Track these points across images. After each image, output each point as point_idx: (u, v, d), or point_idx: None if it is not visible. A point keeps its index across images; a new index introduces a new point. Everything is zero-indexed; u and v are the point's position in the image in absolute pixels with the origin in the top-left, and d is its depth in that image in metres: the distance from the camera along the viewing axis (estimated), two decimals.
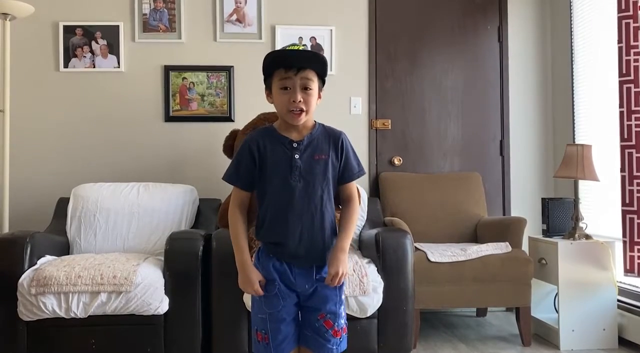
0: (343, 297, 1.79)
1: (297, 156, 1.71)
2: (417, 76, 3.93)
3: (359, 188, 3.20)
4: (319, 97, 1.75)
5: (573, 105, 3.79)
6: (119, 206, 3.19)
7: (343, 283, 1.77)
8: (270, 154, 1.72)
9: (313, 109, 1.72)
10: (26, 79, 3.63)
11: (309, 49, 3.71)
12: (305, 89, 1.69)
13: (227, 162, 2.77)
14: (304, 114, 1.69)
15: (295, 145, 1.72)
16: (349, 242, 1.77)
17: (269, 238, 1.75)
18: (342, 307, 1.78)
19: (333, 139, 1.77)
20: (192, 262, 2.67)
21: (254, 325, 1.79)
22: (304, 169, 1.71)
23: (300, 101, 1.67)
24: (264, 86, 1.77)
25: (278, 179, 1.71)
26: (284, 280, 1.73)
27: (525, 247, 3.34)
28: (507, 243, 3.20)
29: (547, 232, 3.32)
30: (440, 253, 3.08)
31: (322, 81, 1.75)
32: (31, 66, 3.64)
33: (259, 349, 1.77)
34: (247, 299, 2.52)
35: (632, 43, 2.93)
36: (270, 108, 1.86)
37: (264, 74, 1.75)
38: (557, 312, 3.15)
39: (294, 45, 1.74)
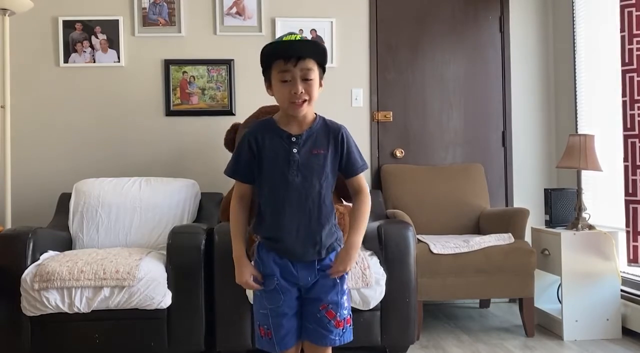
0: (345, 287, 1.77)
1: (295, 150, 1.69)
2: (418, 67, 3.92)
3: None
4: (320, 85, 1.73)
5: (575, 95, 3.77)
6: (121, 201, 3.19)
7: (343, 274, 1.76)
8: (268, 147, 1.71)
9: (315, 99, 1.70)
10: (26, 75, 3.62)
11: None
12: (306, 79, 1.66)
13: (228, 155, 2.75)
14: (306, 103, 1.67)
15: (294, 139, 1.71)
16: (360, 237, 1.74)
17: (266, 233, 1.74)
18: (345, 297, 1.77)
19: (333, 133, 1.74)
20: (195, 256, 2.68)
21: (256, 320, 1.79)
22: (302, 164, 1.69)
23: (301, 92, 1.65)
24: (264, 79, 1.75)
25: (276, 173, 1.70)
26: (285, 274, 1.72)
27: (528, 237, 3.33)
28: (510, 234, 3.19)
29: (550, 223, 3.31)
30: (443, 245, 3.07)
31: (322, 69, 1.72)
32: (31, 62, 3.64)
33: (262, 344, 1.77)
34: (250, 292, 2.52)
35: (634, 32, 2.91)
36: (271, 101, 1.85)
37: (262, 66, 1.72)
38: (560, 302, 3.15)
39: (291, 34, 1.70)
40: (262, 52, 1.70)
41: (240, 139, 1.78)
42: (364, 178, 1.81)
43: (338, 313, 1.74)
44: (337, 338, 1.75)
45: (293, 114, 1.69)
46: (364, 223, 1.77)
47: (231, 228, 1.78)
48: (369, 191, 1.83)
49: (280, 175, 1.69)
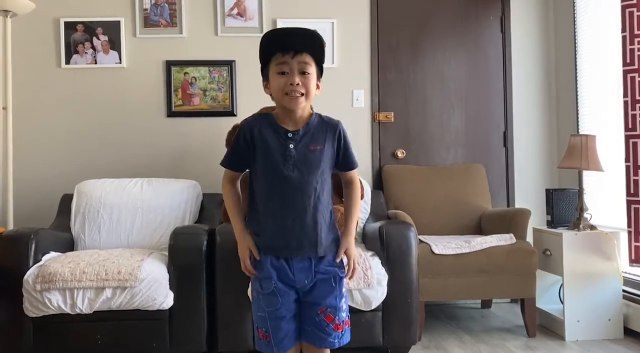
0: (344, 290, 1.78)
1: (291, 146, 1.69)
2: (419, 68, 3.92)
3: (362, 181, 3.20)
4: (318, 87, 1.73)
5: (577, 95, 3.77)
6: (122, 202, 3.19)
7: (342, 277, 1.77)
8: (264, 142, 1.71)
9: (312, 94, 1.70)
10: (28, 76, 3.63)
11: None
12: (303, 73, 1.66)
13: None
14: (303, 97, 1.67)
15: (290, 135, 1.71)
16: (354, 223, 1.79)
17: (260, 228, 1.73)
18: (343, 300, 1.77)
19: (330, 128, 1.75)
20: (196, 256, 2.68)
21: (255, 323, 1.79)
22: (298, 159, 1.69)
23: (298, 84, 1.65)
24: (262, 77, 1.76)
25: (271, 168, 1.69)
26: (282, 277, 1.71)
27: (529, 238, 3.33)
28: (512, 234, 3.19)
29: (551, 223, 3.31)
30: (444, 245, 3.07)
31: (319, 69, 1.72)
32: (33, 63, 3.64)
33: (261, 346, 1.77)
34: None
35: (635, 32, 2.91)
36: (272, 102, 1.85)
37: (261, 60, 1.72)
38: (562, 302, 3.15)
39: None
40: (261, 41, 1.71)
41: (237, 132, 1.78)
42: (356, 172, 1.86)
43: (337, 317, 1.74)
44: (335, 340, 1.75)
45: (289, 106, 1.69)
46: (357, 209, 1.85)
47: (228, 209, 1.80)
48: (359, 182, 1.87)
49: (275, 170, 1.69)
